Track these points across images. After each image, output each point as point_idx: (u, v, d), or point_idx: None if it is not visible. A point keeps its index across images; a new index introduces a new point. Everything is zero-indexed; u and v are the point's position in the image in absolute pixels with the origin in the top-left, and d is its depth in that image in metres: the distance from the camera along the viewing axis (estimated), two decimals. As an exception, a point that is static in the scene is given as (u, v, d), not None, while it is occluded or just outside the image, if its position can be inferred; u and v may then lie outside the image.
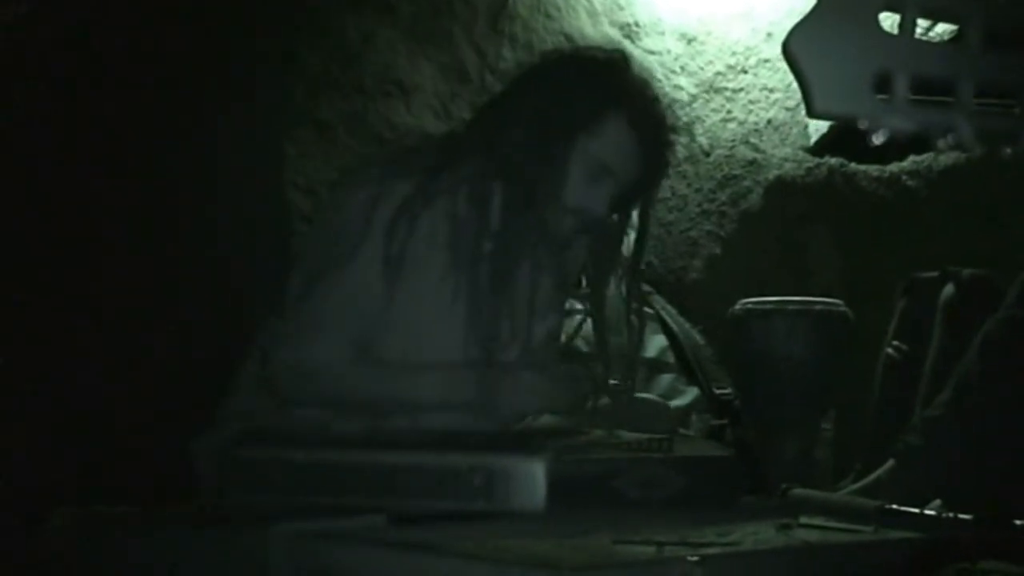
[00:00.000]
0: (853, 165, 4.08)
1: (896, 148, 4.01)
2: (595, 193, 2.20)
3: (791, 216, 4.13)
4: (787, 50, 1.03)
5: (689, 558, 1.37)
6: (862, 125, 1.04)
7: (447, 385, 2.18)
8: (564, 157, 2.18)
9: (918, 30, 1.07)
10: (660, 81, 4.38)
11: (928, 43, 1.07)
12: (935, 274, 3.14)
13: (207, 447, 2.19)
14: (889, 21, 1.07)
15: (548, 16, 4.27)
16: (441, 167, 2.22)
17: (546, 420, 2.43)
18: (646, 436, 1.96)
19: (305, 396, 2.20)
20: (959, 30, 1.10)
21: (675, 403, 3.73)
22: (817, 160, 4.14)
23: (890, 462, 2.76)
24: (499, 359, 2.21)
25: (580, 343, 3.84)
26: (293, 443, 1.89)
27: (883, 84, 1.05)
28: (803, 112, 4.20)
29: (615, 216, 2.30)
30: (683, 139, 2.66)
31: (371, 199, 2.18)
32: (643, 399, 3.35)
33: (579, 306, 3.88)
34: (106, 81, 3.31)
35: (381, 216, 2.17)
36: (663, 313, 4.01)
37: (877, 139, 1.05)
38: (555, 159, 2.18)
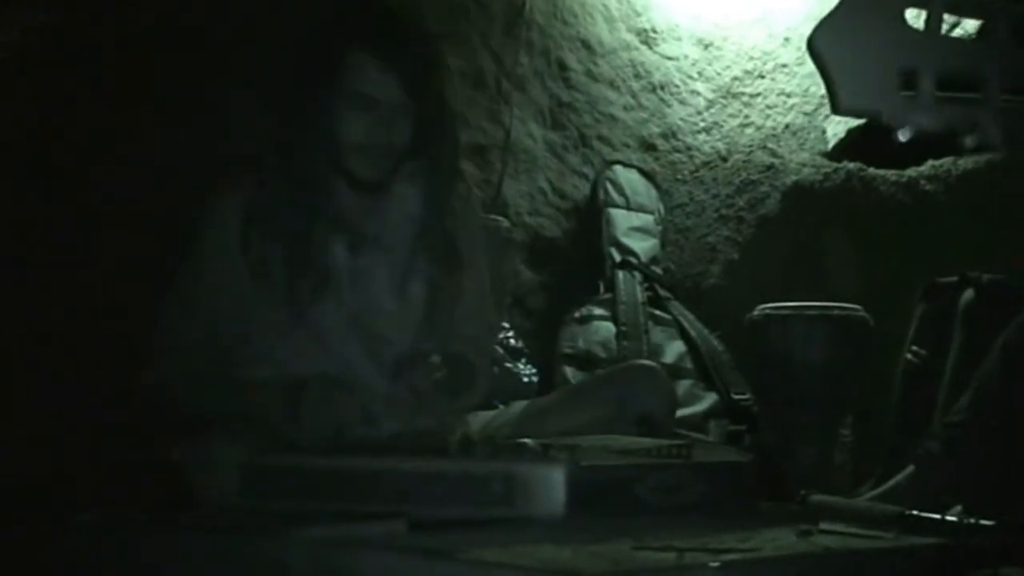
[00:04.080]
0: (871, 170, 4.07)
1: (914, 152, 4.00)
2: (370, 124, 2.24)
3: (809, 221, 4.12)
4: (812, 47, 1.02)
5: (710, 564, 1.37)
6: (887, 122, 1.04)
7: (273, 401, 2.20)
8: (324, 98, 2.24)
9: (944, 27, 1.06)
10: (678, 86, 4.39)
11: (954, 40, 1.07)
12: (954, 279, 3.13)
13: (198, 456, 2.22)
14: (915, 17, 1.06)
15: (565, 22, 4.27)
16: (260, 179, 2.30)
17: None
18: (665, 443, 1.96)
19: (166, 411, 2.28)
20: (985, 27, 1.09)
21: (693, 409, 3.73)
22: (835, 165, 4.13)
23: (910, 468, 2.75)
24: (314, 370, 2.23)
25: (598, 349, 3.86)
26: (313, 450, 1.90)
27: (909, 81, 1.04)
28: (821, 117, 4.20)
29: (427, 147, 2.32)
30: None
31: (203, 221, 2.31)
32: (634, 363, 3.29)
33: (597, 311, 3.92)
34: (121, 83, 3.32)
35: (209, 236, 2.29)
36: (681, 319, 4.01)
37: (902, 136, 1.04)
38: (317, 103, 2.24)
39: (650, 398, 2.32)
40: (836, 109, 1.04)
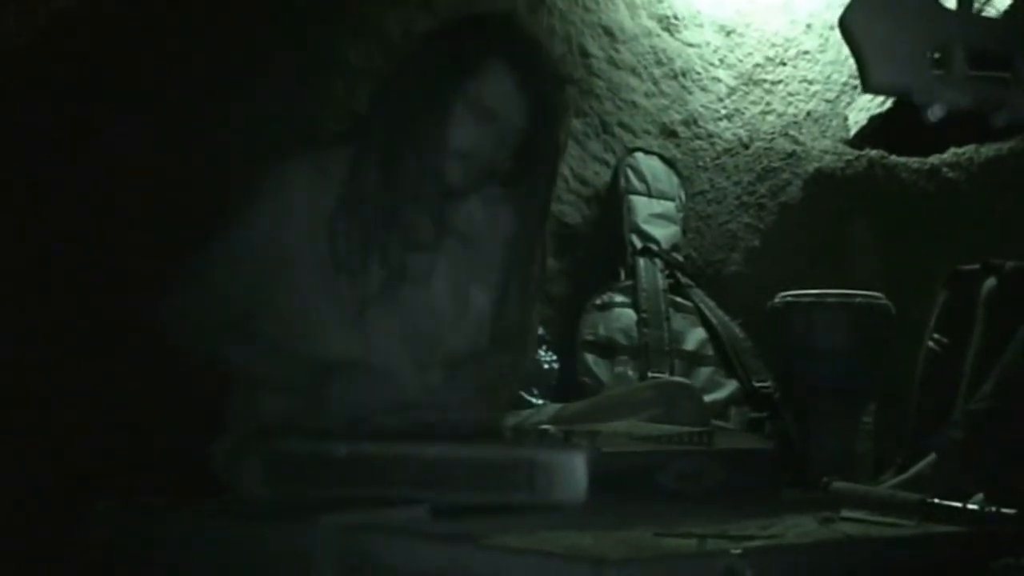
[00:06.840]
0: (893, 157, 4.06)
1: (936, 139, 3.98)
2: (482, 136, 2.25)
3: (831, 208, 4.11)
4: (844, 24, 1.02)
5: (731, 550, 1.37)
6: (918, 99, 1.03)
7: (303, 373, 2.23)
8: (446, 99, 2.24)
9: (975, 4, 1.05)
10: (699, 73, 4.38)
11: (985, 18, 1.06)
12: (977, 266, 3.11)
13: (225, 448, 2.23)
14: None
15: (586, 9, 4.26)
16: (355, 158, 2.28)
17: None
18: (687, 429, 1.97)
19: (183, 346, 2.31)
20: (1016, 4, 1.09)
21: (714, 396, 3.73)
22: (857, 152, 4.12)
23: (932, 456, 2.74)
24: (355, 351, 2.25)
25: (619, 336, 3.86)
26: (336, 436, 1.90)
27: (940, 58, 1.04)
28: (843, 104, 4.19)
29: (525, 169, 2.33)
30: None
31: (263, 182, 2.29)
32: (671, 381, 3.34)
33: (618, 298, 3.92)
34: (142, 74, 3.33)
35: (268, 196, 2.27)
36: (702, 306, 4.01)
37: (933, 114, 1.04)
38: (437, 102, 2.23)
39: (683, 416, 2.32)
40: (867, 86, 1.03)
